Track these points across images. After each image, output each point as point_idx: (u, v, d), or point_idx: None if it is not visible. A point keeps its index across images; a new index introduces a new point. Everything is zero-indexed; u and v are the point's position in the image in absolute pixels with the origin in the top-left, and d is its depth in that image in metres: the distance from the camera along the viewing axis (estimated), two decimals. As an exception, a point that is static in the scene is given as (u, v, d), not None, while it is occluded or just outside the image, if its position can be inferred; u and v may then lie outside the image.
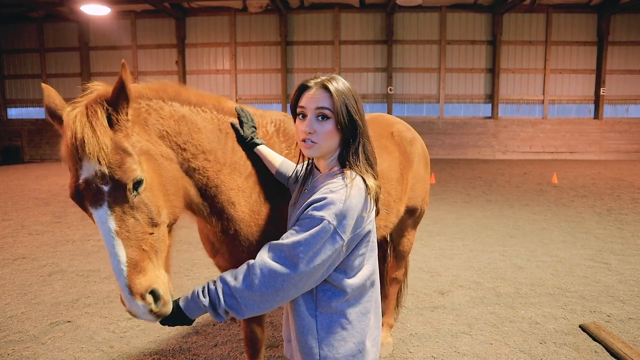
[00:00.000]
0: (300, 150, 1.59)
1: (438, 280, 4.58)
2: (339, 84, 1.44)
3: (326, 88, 1.42)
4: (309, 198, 1.42)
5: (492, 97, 20.51)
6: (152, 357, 3.08)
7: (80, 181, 1.32)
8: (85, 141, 1.30)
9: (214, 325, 3.57)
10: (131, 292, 1.31)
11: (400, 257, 3.21)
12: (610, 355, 3.03)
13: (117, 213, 1.34)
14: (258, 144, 1.91)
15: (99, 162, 1.31)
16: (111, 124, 1.38)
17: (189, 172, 1.69)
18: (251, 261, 1.37)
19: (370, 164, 1.49)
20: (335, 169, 1.48)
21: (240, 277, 1.35)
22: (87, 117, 1.34)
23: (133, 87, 1.48)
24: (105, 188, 1.32)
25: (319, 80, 1.45)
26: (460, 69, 20.63)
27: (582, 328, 3.44)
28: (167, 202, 1.51)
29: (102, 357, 3.08)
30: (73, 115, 1.35)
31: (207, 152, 1.75)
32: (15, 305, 3.94)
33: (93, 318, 3.69)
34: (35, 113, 22.43)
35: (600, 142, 20.42)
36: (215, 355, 3.11)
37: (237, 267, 2.00)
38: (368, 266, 1.51)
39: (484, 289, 4.32)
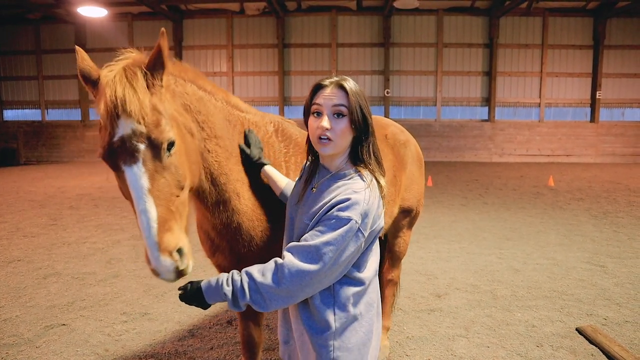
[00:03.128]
0: (307, 149, 1.64)
1: (435, 283, 4.58)
2: (351, 84, 1.50)
3: (342, 87, 1.47)
4: (320, 198, 1.48)
5: (488, 100, 20.57)
6: (147, 360, 3.06)
7: (116, 139, 1.34)
8: (127, 100, 1.34)
9: (210, 328, 3.56)
10: (160, 248, 1.33)
11: (396, 258, 3.21)
12: (607, 359, 3.03)
13: (150, 171, 1.37)
14: (265, 164, 1.94)
15: (138, 121, 1.35)
16: (147, 87, 1.43)
17: (204, 153, 1.74)
18: (279, 260, 1.41)
19: (379, 162, 1.55)
20: (349, 168, 1.52)
21: (269, 275, 1.38)
22: (127, 78, 1.38)
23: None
24: (141, 146, 1.36)
25: (333, 79, 1.50)
26: (457, 72, 20.68)
27: (579, 331, 3.45)
28: (189, 169, 1.57)
29: (97, 361, 3.06)
30: (112, 75, 1.38)
31: (219, 138, 1.81)
32: (10, 309, 3.91)
33: (88, 321, 3.66)
34: (32, 115, 22.35)
35: (596, 145, 20.50)
36: (211, 358, 3.09)
37: (237, 266, 2.04)
38: (374, 257, 1.58)
39: (480, 291, 4.32)
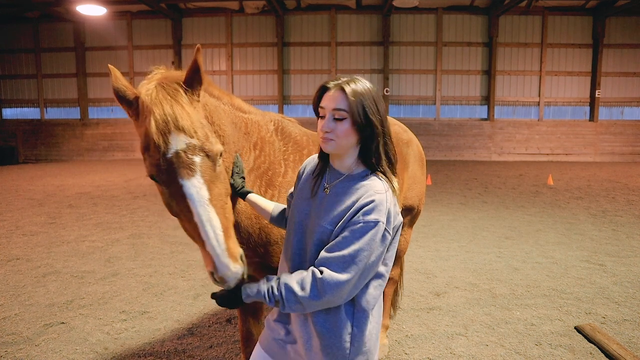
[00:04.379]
0: (319, 149, 1.66)
1: (434, 281, 4.58)
2: (357, 85, 1.47)
3: (342, 90, 1.46)
4: (339, 201, 1.47)
5: (488, 99, 20.58)
6: (146, 358, 3.06)
7: (170, 154, 1.38)
8: (177, 116, 1.38)
9: (209, 326, 3.56)
10: (230, 255, 1.38)
11: (397, 256, 3.21)
12: (605, 357, 3.04)
13: (207, 182, 1.42)
14: (249, 192, 1.90)
15: (191, 135, 1.39)
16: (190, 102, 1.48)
17: None
18: (317, 274, 1.40)
19: (391, 162, 1.55)
20: (362, 169, 1.53)
21: (308, 288, 1.39)
22: (170, 95, 1.42)
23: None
24: (197, 159, 1.41)
25: (338, 82, 1.49)
26: (456, 71, 20.69)
27: (578, 329, 3.45)
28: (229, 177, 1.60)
29: (96, 359, 3.06)
30: (155, 94, 1.41)
31: (226, 144, 1.84)
32: (9, 307, 3.91)
33: (87, 319, 3.66)
34: (31, 113, 22.32)
35: (596, 144, 20.53)
36: (210, 356, 3.09)
37: None
38: (394, 252, 1.60)
39: (479, 290, 4.33)
